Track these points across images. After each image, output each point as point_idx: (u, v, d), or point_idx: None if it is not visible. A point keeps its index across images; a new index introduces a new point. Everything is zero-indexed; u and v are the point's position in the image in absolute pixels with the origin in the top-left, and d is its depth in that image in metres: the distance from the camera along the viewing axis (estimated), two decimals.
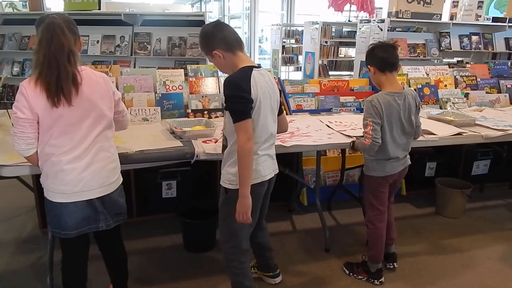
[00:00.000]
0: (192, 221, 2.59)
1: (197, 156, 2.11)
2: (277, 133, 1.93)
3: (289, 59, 9.35)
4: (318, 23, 7.02)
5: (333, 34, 7.53)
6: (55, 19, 1.54)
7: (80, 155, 1.63)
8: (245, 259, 1.96)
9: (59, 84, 1.52)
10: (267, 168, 1.84)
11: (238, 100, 1.64)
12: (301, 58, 8.53)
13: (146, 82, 2.98)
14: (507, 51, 5.80)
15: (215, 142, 2.27)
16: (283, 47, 9.04)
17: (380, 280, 2.35)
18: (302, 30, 8.06)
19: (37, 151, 1.63)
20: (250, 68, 1.70)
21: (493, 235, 2.93)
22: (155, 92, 2.94)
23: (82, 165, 1.63)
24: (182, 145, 2.22)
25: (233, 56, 1.73)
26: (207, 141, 2.30)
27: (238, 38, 1.75)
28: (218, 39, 1.71)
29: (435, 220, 3.16)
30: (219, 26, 1.74)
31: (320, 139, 2.43)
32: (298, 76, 9.02)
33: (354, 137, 2.38)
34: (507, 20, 5.61)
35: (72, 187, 1.62)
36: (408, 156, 2.28)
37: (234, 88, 1.64)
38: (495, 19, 5.73)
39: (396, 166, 2.20)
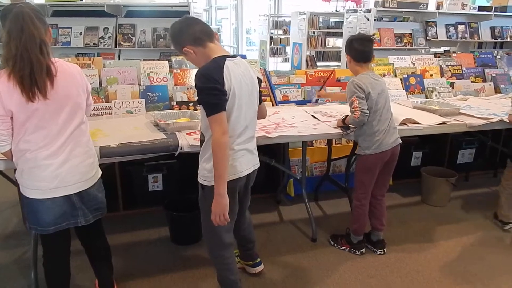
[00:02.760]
0: (178, 214, 2.57)
1: (181, 148, 2.09)
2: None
3: (277, 50, 9.28)
4: (305, 13, 6.97)
5: (320, 24, 7.49)
6: (23, 8, 1.46)
7: (57, 151, 1.58)
8: (229, 254, 1.93)
9: (33, 77, 1.45)
10: (244, 164, 1.77)
11: (210, 92, 1.57)
12: (289, 49, 8.49)
13: (130, 74, 2.94)
14: (493, 40, 5.85)
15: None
16: (271, 38, 8.97)
17: (361, 250, 2.54)
18: (290, 21, 8.01)
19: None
20: (223, 58, 1.64)
21: (477, 223, 2.97)
22: (139, 84, 2.90)
23: (58, 162, 1.58)
24: (165, 137, 2.20)
25: (204, 49, 1.66)
26: (191, 133, 2.28)
27: (207, 30, 1.68)
28: (185, 35, 1.65)
29: (420, 209, 3.20)
30: (186, 21, 1.69)
31: (305, 130, 2.43)
32: (286, 67, 8.96)
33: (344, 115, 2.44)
34: (493, 9, 5.64)
35: (48, 184, 1.58)
36: (398, 133, 2.38)
37: (206, 79, 1.57)
38: (481, 8, 5.75)
39: (388, 140, 2.30)
